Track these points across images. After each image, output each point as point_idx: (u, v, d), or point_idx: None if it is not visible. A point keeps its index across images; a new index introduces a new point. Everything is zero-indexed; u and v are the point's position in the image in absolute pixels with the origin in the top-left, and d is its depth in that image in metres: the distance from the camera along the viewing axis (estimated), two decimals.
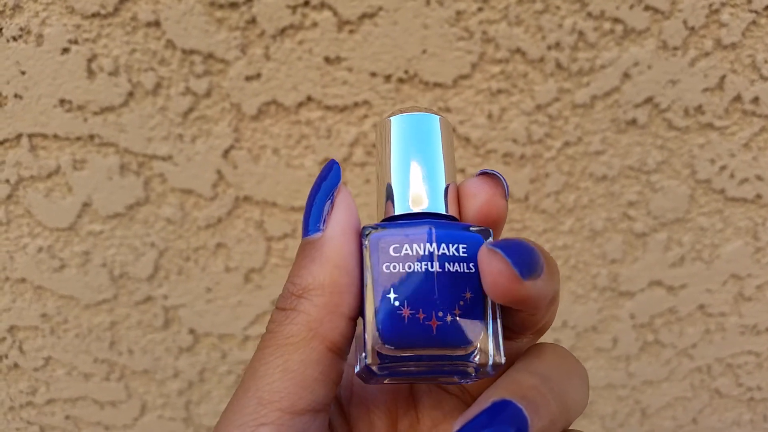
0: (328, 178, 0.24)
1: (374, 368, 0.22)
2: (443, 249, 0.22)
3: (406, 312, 0.22)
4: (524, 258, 0.21)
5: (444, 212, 0.24)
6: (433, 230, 0.22)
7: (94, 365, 0.52)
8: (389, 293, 0.22)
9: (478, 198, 0.24)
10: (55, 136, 0.43)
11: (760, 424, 0.59)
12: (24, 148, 0.43)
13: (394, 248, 0.23)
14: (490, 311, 0.22)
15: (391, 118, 0.25)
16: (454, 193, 0.25)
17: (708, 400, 0.57)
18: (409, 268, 0.22)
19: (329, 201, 0.23)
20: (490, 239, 0.23)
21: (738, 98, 0.43)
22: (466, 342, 0.22)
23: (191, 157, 0.44)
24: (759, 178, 0.46)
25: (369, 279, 0.22)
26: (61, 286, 0.49)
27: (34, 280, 0.48)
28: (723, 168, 0.46)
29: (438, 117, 0.25)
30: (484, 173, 0.24)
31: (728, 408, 0.58)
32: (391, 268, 0.22)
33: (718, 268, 0.50)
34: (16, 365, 0.53)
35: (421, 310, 0.22)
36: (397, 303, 0.22)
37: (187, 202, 0.45)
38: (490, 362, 0.22)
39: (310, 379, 0.21)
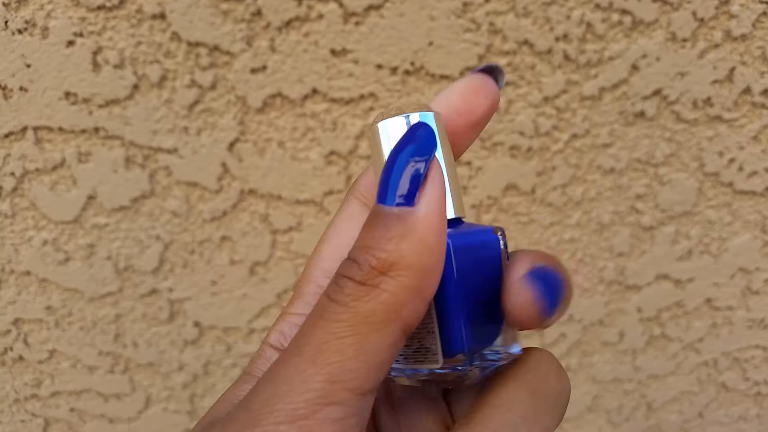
0: (422, 143, 0.21)
1: None
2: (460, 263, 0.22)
3: None
4: (555, 294, 0.21)
5: (452, 216, 0.23)
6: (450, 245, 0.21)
7: (98, 358, 0.52)
8: None
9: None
10: (60, 129, 0.43)
11: (767, 419, 0.58)
12: (29, 141, 0.43)
13: None
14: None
15: (378, 124, 0.23)
16: (457, 186, 0.23)
17: (714, 394, 0.57)
18: None
19: (422, 172, 0.21)
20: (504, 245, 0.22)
21: (747, 90, 0.43)
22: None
23: (196, 149, 0.43)
24: None
25: None
26: (65, 278, 0.49)
27: (39, 272, 0.48)
28: (731, 161, 0.45)
29: (428, 114, 0.23)
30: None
31: (735, 402, 0.57)
32: None
33: (726, 262, 0.50)
34: (21, 358, 0.53)
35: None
36: None
37: (193, 195, 0.45)
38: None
39: (383, 362, 0.20)
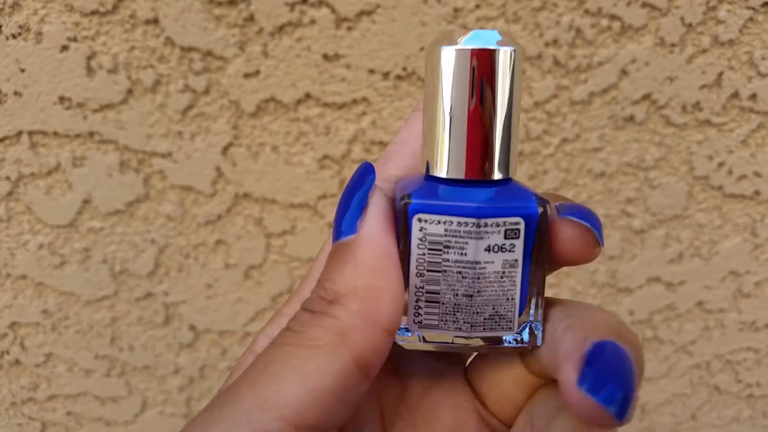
0: (362, 180, 0.22)
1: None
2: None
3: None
4: (599, 225, 0.21)
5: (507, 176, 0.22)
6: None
7: (95, 361, 0.53)
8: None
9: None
10: (55, 134, 0.43)
11: (760, 421, 0.59)
12: (24, 146, 0.43)
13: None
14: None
15: (446, 48, 0.21)
16: (515, 145, 0.22)
17: (707, 396, 0.57)
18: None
19: (363, 202, 0.21)
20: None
21: (735, 95, 0.43)
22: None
23: (190, 154, 0.44)
24: (757, 174, 0.46)
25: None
26: (61, 282, 0.49)
27: (34, 276, 0.49)
28: (721, 164, 0.46)
29: (510, 49, 0.21)
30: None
31: (727, 405, 0.58)
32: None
33: (717, 265, 0.50)
34: (17, 361, 0.53)
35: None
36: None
37: (187, 199, 0.45)
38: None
39: (326, 391, 0.19)
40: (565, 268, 0.49)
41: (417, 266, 0.21)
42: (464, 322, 0.21)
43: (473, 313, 0.21)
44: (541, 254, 0.21)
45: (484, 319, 0.21)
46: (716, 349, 0.54)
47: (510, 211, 0.20)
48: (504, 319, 0.21)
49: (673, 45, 0.42)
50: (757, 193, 0.47)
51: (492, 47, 0.21)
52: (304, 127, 0.43)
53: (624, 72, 0.42)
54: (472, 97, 0.21)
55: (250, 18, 0.40)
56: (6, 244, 0.47)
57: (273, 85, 0.42)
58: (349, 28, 0.41)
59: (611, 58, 0.42)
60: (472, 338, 0.22)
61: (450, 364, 0.26)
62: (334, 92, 0.42)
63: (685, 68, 0.42)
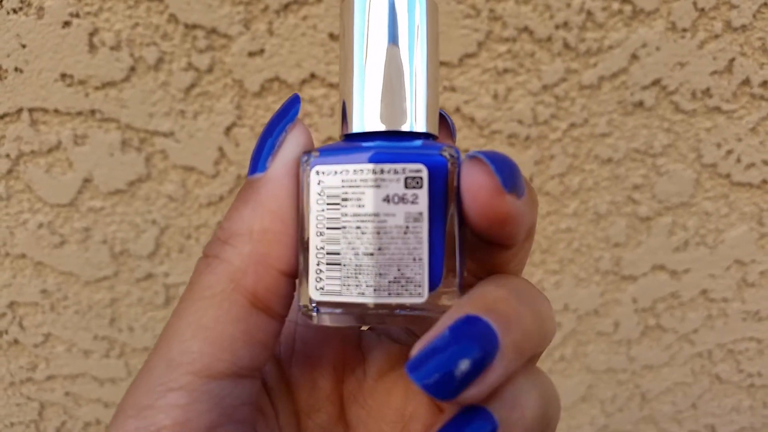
0: (285, 112, 0.20)
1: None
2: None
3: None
4: (506, 170, 0.18)
5: (423, 129, 0.20)
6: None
7: (94, 342, 0.52)
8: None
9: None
10: (56, 111, 0.42)
11: (760, 411, 0.59)
12: (24, 123, 0.43)
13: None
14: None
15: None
16: (436, 100, 0.21)
17: (708, 385, 0.57)
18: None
19: (278, 138, 0.20)
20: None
21: (746, 82, 0.43)
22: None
23: (193, 133, 0.43)
24: (765, 163, 0.46)
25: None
26: (61, 262, 0.48)
27: (34, 256, 0.48)
28: (729, 152, 0.45)
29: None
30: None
31: (728, 394, 0.57)
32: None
33: (722, 254, 0.50)
34: (16, 341, 0.53)
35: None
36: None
37: (189, 179, 0.45)
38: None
39: (229, 339, 0.19)
40: (568, 255, 0.49)
41: (317, 224, 0.19)
42: (367, 286, 0.19)
43: (376, 274, 0.19)
44: (456, 210, 0.19)
45: (389, 282, 0.19)
46: (719, 338, 0.54)
47: (410, 158, 0.19)
48: (411, 282, 0.19)
49: (684, 30, 0.41)
50: (764, 181, 0.47)
51: None
52: (309, 107, 0.43)
53: (634, 56, 0.42)
54: (370, 46, 0.20)
55: None
56: (5, 223, 0.47)
57: (278, 65, 0.41)
58: None
59: (622, 42, 0.41)
60: (377, 305, 0.19)
61: (406, 347, 0.24)
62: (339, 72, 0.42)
63: (696, 54, 0.42)
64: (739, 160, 0.46)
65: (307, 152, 0.20)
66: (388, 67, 0.20)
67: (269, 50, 0.41)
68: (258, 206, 0.19)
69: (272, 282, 0.19)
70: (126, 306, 0.50)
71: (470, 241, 0.20)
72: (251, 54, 0.41)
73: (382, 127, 0.20)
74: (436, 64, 0.21)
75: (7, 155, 0.44)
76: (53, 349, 0.53)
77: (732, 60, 0.42)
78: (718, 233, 0.49)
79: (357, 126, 0.20)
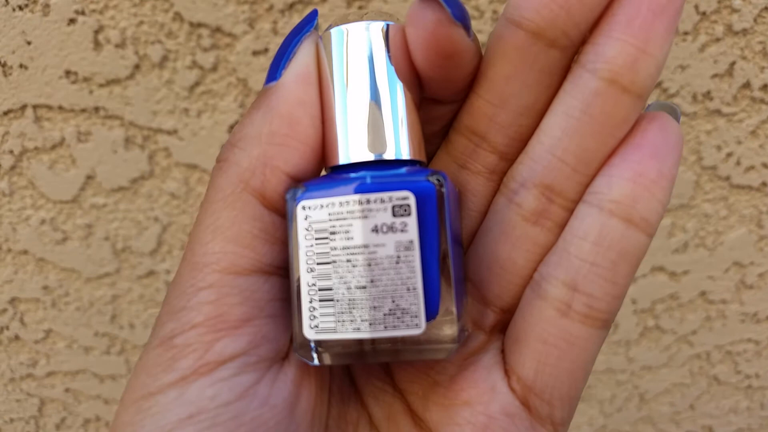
0: (302, 26, 0.21)
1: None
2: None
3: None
4: (456, 5, 0.18)
5: (405, 156, 0.20)
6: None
7: (94, 339, 0.53)
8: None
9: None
10: (60, 108, 0.43)
11: (757, 412, 0.59)
12: (28, 119, 0.43)
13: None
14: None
15: (332, 29, 0.20)
16: (419, 126, 0.21)
17: (706, 386, 0.57)
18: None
19: (293, 49, 0.20)
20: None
21: (747, 85, 0.43)
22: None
23: (196, 131, 0.43)
24: (765, 165, 0.46)
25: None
26: (63, 258, 0.49)
27: (36, 252, 0.48)
28: (729, 155, 0.46)
29: (390, 24, 0.20)
30: None
31: (726, 395, 0.58)
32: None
33: (721, 256, 0.50)
34: (17, 337, 0.53)
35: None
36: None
37: (192, 177, 0.45)
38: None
39: (248, 237, 0.19)
40: None
41: (307, 261, 0.19)
42: (362, 320, 0.19)
43: (371, 308, 0.19)
44: (448, 237, 0.19)
45: (384, 314, 0.19)
46: (717, 339, 0.54)
47: (395, 186, 0.18)
48: (407, 314, 0.18)
49: (686, 33, 0.41)
50: (764, 184, 0.47)
51: (362, 22, 0.20)
52: None
53: None
54: (350, 78, 0.20)
55: None
56: (8, 219, 0.47)
57: None
58: (360, 7, 0.40)
59: None
60: (374, 340, 0.19)
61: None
62: None
63: (697, 57, 0.42)
64: (738, 163, 0.46)
65: (294, 188, 0.19)
66: (368, 98, 0.20)
67: (273, 49, 0.41)
68: (268, 111, 0.20)
69: (279, 184, 0.19)
70: (127, 303, 0.51)
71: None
72: (255, 53, 0.41)
73: (366, 157, 0.20)
74: (417, 89, 0.21)
75: (11, 151, 0.44)
76: (54, 346, 0.53)
77: (733, 63, 0.42)
78: (718, 235, 0.49)
79: (342, 157, 0.20)
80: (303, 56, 0.20)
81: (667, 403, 0.58)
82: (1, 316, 0.52)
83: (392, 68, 0.20)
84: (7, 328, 0.52)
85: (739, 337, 0.55)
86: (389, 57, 0.20)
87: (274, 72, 0.20)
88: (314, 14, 0.21)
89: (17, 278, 0.50)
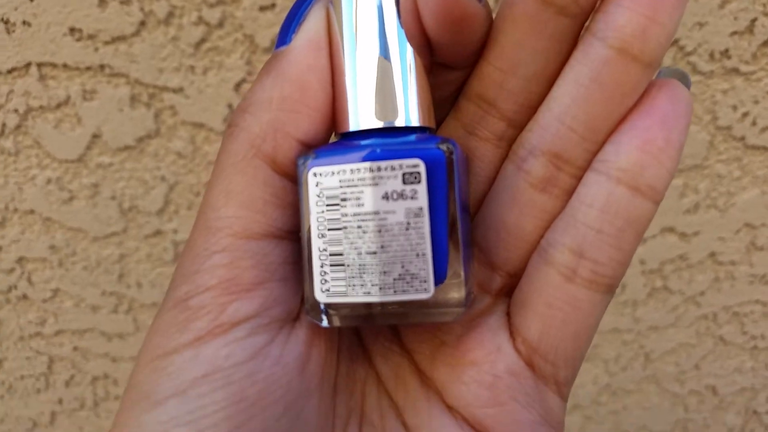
0: None
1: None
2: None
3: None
4: None
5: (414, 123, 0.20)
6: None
7: (102, 298, 0.53)
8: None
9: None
10: (65, 66, 0.42)
11: (761, 372, 0.59)
12: (33, 78, 0.42)
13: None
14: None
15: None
16: (428, 94, 0.21)
17: (712, 347, 0.57)
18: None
19: (303, 13, 0.20)
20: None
21: (767, 43, 0.42)
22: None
23: (202, 89, 0.43)
24: None
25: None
26: (69, 218, 0.48)
27: (42, 211, 0.48)
28: (745, 115, 0.45)
29: None
30: None
31: (731, 355, 0.58)
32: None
33: (733, 217, 0.50)
34: (25, 296, 0.53)
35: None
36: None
37: (198, 135, 0.44)
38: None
39: (259, 201, 0.20)
40: None
41: (318, 227, 0.19)
42: (372, 285, 0.19)
43: (381, 272, 0.19)
44: (457, 204, 0.19)
45: (394, 279, 0.19)
46: (725, 300, 0.54)
47: (406, 153, 0.19)
48: (416, 278, 0.19)
49: None
50: None
51: None
52: None
53: None
54: (359, 45, 0.20)
55: None
56: (14, 179, 0.46)
57: None
58: None
59: None
60: (383, 303, 0.20)
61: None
62: None
63: (716, 13, 0.41)
64: (754, 123, 0.45)
65: (304, 154, 0.20)
66: (378, 64, 0.20)
67: (281, 4, 0.40)
68: (278, 75, 0.20)
69: (290, 150, 0.20)
70: (134, 262, 0.51)
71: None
72: (262, 8, 0.40)
73: (376, 124, 0.20)
74: (427, 54, 0.21)
75: (16, 110, 0.43)
76: (61, 305, 0.53)
77: (754, 20, 0.41)
78: (730, 196, 0.49)
79: (352, 124, 0.20)
80: (313, 21, 0.20)
81: (672, 363, 0.58)
82: (8, 276, 0.51)
83: (402, 33, 0.20)
84: (15, 287, 0.52)
85: (747, 299, 0.55)
86: (399, 22, 0.20)
87: (284, 36, 0.20)
88: None
89: (24, 238, 0.49)
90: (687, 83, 0.20)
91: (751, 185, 0.48)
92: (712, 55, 0.42)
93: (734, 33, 0.42)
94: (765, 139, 0.46)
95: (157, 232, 0.49)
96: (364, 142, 0.20)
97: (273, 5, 0.40)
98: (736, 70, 0.43)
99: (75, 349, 0.56)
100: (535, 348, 0.21)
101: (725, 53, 0.42)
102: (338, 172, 0.19)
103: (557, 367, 0.21)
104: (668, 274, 0.53)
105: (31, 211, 0.48)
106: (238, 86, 0.43)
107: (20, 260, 0.51)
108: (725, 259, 0.52)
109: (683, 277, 0.53)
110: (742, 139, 0.46)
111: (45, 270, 0.51)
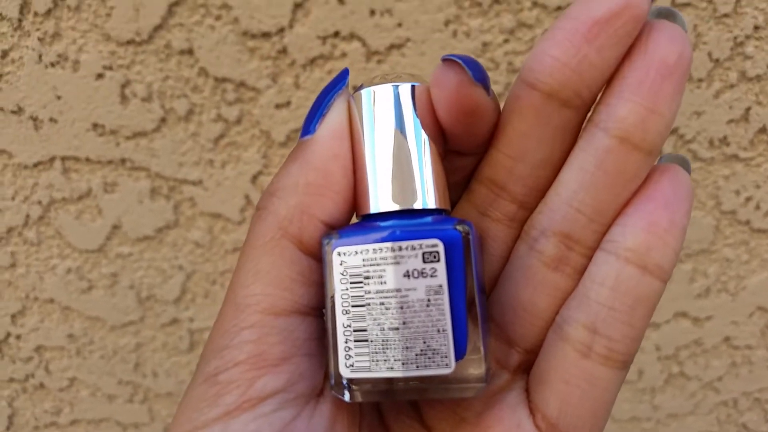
0: (335, 84, 0.22)
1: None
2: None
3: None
4: (477, 68, 0.20)
5: (432, 205, 0.21)
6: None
7: (118, 387, 0.53)
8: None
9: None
10: (88, 160, 0.44)
11: None
12: (57, 171, 0.44)
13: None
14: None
15: (362, 90, 0.22)
16: (443, 178, 0.22)
17: None
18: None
19: (327, 105, 0.22)
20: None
21: (763, 130, 0.43)
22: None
23: (221, 182, 0.44)
24: None
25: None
26: (88, 307, 0.49)
27: (62, 300, 0.49)
28: (748, 199, 0.46)
29: (416, 85, 0.22)
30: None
31: None
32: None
33: (744, 300, 0.50)
34: (42, 385, 0.53)
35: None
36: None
37: (216, 226, 0.46)
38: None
39: (287, 280, 0.20)
40: None
41: (342, 303, 0.20)
42: (395, 360, 0.20)
43: (403, 348, 0.20)
44: (475, 282, 0.20)
45: (416, 355, 0.20)
46: (744, 386, 0.54)
47: (425, 234, 0.20)
48: (438, 354, 0.20)
49: (700, 80, 0.42)
50: None
51: (389, 84, 0.22)
52: None
53: None
54: (377, 133, 0.22)
55: (283, 51, 0.41)
56: (35, 268, 0.48)
57: (303, 116, 0.42)
58: (379, 61, 0.41)
59: None
60: (406, 379, 0.20)
61: None
62: None
63: (712, 103, 0.43)
64: (758, 207, 0.46)
65: (328, 235, 0.21)
66: (396, 151, 0.21)
67: (295, 102, 0.42)
68: (304, 163, 0.21)
69: (315, 231, 0.21)
70: (151, 351, 0.51)
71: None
72: (278, 106, 0.42)
73: (395, 207, 0.21)
74: (441, 142, 0.22)
75: (39, 202, 0.45)
76: (78, 394, 0.54)
77: (748, 109, 0.43)
78: (740, 280, 0.49)
79: (372, 207, 0.21)
80: (336, 112, 0.22)
81: None
82: (26, 365, 0.52)
83: (418, 123, 0.21)
84: (33, 376, 0.53)
85: (767, 384, 0.54)
86: (415, 113, 0.21)
87: (309, 125, 0.22)
88: (345, 73, 0.23)
89: (43, 326, 0.50)
90: (687, 168, 0.21)
91: (760, 268, 0.48)
92: (711, 143, 0.44)
93: (731, 121, 0.43)
94: None
95: (174, 321, 0.50)
96: (384, 224, 0.21)
97: (288, 103, 0.42)
98: (735, 157, 0.44)
99: None
100: (555, 424, 0.21)
101: (724, 140, 0.44)
102: (361, 252, 0.20)
103: None
104: (684, 359, 0.52)
105: (51, 300, 0.49)
106: (255, 178, 0.44)
107: (38, 349, 0.51)
108: (741, 344, 0.52)
109: (699, 362, 0.52)
110: (748, 222, 0.46)
111: (63, 359, 0.52)
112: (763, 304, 0.50)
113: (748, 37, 0.41)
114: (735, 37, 0.41)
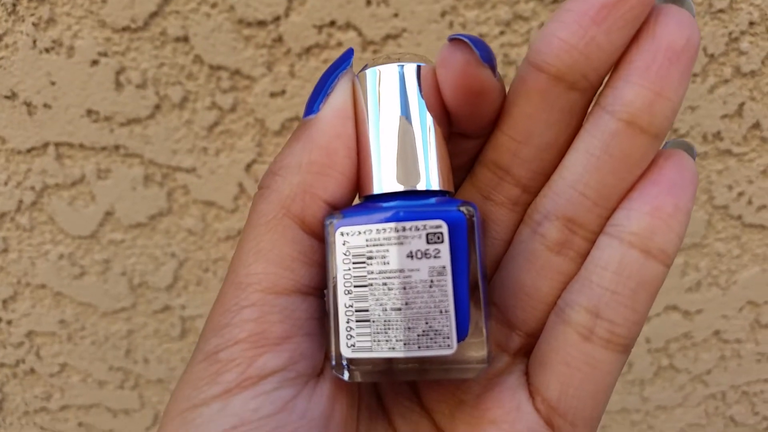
0: (339, 63, 0.22)
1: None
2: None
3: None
4: (484, 48, 0.20)
5: (435, 187, 0.21)
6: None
7: (109, 373, 0.53)
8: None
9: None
10: (81, 146, 0.44)
11: None
12: (50, 157, 0.44)
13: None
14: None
15: (367, 70, 0.22)
16: (447, 159, 0.22)
17: (722, 428, 0.56)
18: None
19: (331, 84, 0.22)
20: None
21: (756, 125, 0.43)
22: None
23: (214, 170, 0.44)
24: None
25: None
26: (80, 293, 0.49)
27: (53, 286, 0.49)
28: (740, 194, 0.46)
29: (421, 65, 0.22)
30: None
31: None
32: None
33: (735, 294, 0.50)
34: (32, 370, 0.53)
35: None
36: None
37: (209, 213, 0.46)
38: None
39: (287, 259, 0.20)
40: None
41: (344, 283, 0.20)
42: (397, 340, 0.20)
43: (405, 328, 0.20)
44: (478, 264, 0.20)
45: (418, 335, 0.20)
46: (732, 379, 0.54)
47: (430, 215, 0.20)
48: (440, 335, 0.20)
49: (695, 75, 0.42)
50: None
51: (394, 64, 0.21)
52: None
53: None
54: (382, 114, 0.21)
55: (279, 39, 0.40)
56: (27, 254, 0.48)
57: (298, 105, 0.42)
58: (375, 51, 0.41)
59: None
60: (407, 359, 0.20)
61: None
62: None
63: (706, 98, 0.43)
64: (750, 202, 0.46)
65: (331, 215, 0.21)
66: (400, 132, 0.21)
67: (290, 91, 0.42)
68: (308, 142, 0.21)
69: (318, 210, 0.21)
70: (142, 338, 0.51)
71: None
72: (273, 94, 0.42)
73: (399, 188, 0.21)
74: (446, 124, 0.22)
75: (32, 188, 0.45)
76: (68, 379, 0.54)
77: (742, 104, 0.43)
78: (731, 274, 0.49)
79: (376, 187, 0.21)
80: (340, 92, 0.22)
81: None
82: (17, 350, 0.52)
83: (423, 104, 0.21)
84: (23, 361, 0.53)
85: (755, 378, 0.54)
86: (420, 94, 0.21)
87: (312, 105, 0.22)
88: (350, 52, 0.22)
89: (34, 312, 0.50)
90: (692, 154, 0.22)
91: (751, 263, 0.49)
92: (705, 137, 0.44)
93: (725, 116, 0.43)
94: (762, 218, 0.47)
95: (166, 308, 0.50)
96: (387, 204, 0.21)
97: (283, 92, 0.42)
98: (728, 152, 0.44)
99: (80, 425, 0.56)
100: (555, 407, 0.21)
101: (717, 135, 0.44)
102: (365, 232, 0.20)
103: (576, 427, 0.22)
104: (674, 352, 0.53)
105: (43, 286, 0.49)
106: (248, 167, 0.44)
107: (29, 334, 0.51)
108: (730, 337, 0.52)
109: (689, 355, 0.53)
110: (740, 217, 0.47)
111: (54, 344, 0.52)
112: (753, 299, 0.50)
113: (743, 32, 0.41)
114: (730, 33, 0.41)
